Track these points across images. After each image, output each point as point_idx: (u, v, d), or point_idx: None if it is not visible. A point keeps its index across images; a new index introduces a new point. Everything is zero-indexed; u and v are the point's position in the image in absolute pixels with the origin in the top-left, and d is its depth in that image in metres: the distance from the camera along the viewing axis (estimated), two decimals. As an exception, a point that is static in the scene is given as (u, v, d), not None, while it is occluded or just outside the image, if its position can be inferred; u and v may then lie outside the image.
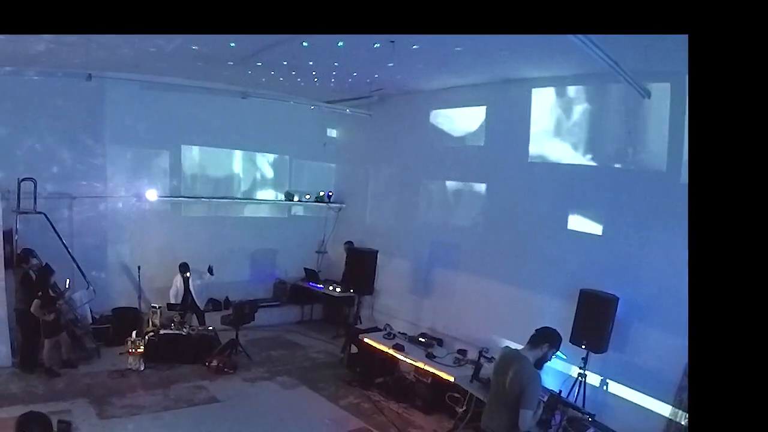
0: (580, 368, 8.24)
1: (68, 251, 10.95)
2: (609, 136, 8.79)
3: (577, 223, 9.23)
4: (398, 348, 9.80)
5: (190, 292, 12.08)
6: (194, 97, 12.71)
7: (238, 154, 13.79)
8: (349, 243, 13.90)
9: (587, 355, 8.18)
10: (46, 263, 10.00)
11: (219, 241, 13.36)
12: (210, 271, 12.29)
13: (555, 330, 5.75)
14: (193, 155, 13.10)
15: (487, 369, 7.83)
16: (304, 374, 10.86)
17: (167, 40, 8.49)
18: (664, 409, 7.81)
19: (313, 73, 10.61)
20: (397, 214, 13.03)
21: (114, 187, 12.08)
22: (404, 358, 9.69)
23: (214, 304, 13.17)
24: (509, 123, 10.35)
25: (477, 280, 10.88)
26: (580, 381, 8.21)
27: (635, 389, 8.22)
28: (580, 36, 5.71)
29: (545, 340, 5.61)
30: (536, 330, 5.73)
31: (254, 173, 14.01)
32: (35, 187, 10.32)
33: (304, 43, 8.33)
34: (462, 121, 11.38)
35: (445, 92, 11.54)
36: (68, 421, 4.69)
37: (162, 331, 10.91)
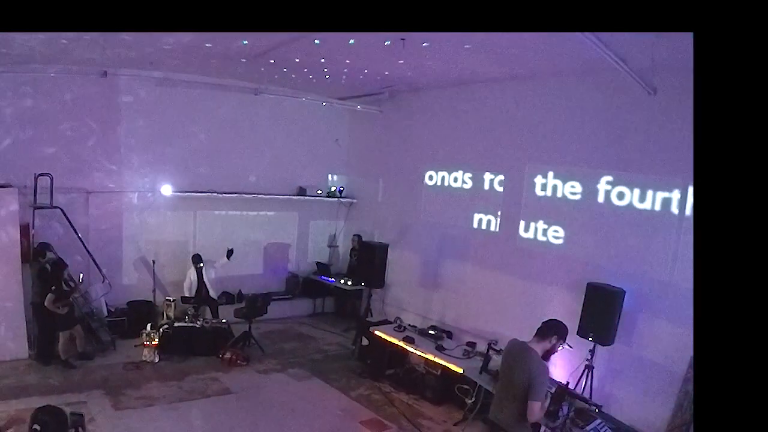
0: (588, 360, 8.30)
1: (84, 245, 11.06)
2: (615, 132, 8.82)
3: (583, 218, 9.31)
4: (408, 340, 9.91)
5: (204, 283, 12.22)
6: (208, 94, 12.81)
7: (251, 150, 13.83)
8: (358, 236, 14.12)
9: (594, 347, 8.24)
10: (59, 257, 10.13)
11: (232, 236, 13.42)
12: (228, 255, 12.43)
13: (561, 322, 5.82)
14: (206, 151, 13.15)
15: (496, 361, 7.91)
16: (316, 366, 10.95)
17: (181, 37, 8.55)
18: (670, 401, 7.84)
19: (325, 70, 10.65)
20: (408, 209, 13.03)
21: (129, 182, 12.21)
22: (414, 351, 9.79)
23: (228, 297, 13.30)
24: (518, 119, 10.38)
25: (486, 273, 10.97)
26: (587, 373, 8.28)
27: (641, 381, 8.28)
28: (588, 33, 5.78)
29: (553, 332, 5.68)
30: (543, 322, 5.80)
31: (267, 168, 14.04)
32: (52, 182, 10.41)
33: (316, 41, 8.38)
34: (470, 117, 11.42)
35: (454, 89, 11.58)
36: (80, 413, 4.71)
37: (176, 324, 11.04)
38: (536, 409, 5.42)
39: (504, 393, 5.80)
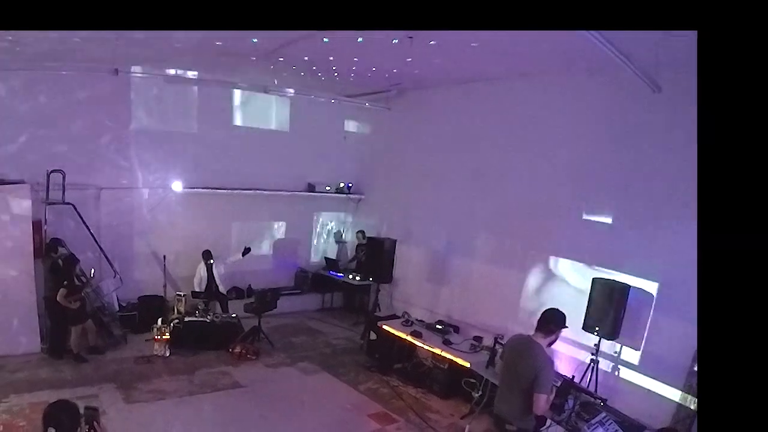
0: (593, 354, 8.38)
1: (96, 241, 11.16)
2: (621, 129, 8.88)
3: (591, 213, 9.34)
4: (416, 335, 9.99)
5: (214, 279, 12.31)
6: (218, 91, 12.92)
7: (261, 147, 13.90)
8: (361, 232, 14.27)
9: (599, 341, 8.32)
10: (71, 253, 10.23)
11: (242, 232, 13.58)
12: (245, 252, 12.49)
13: (557, 310, 5.95)
14: (216, 148, 13.20)
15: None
16: (325, 360, 11.04)
17: (192, 36, 8.60)
18: (674, 394, 7.93)
19: (334, 68, 10.73)
20: (415, 205, 13.13)
21: (140, 178, 12.32)
22: (422, 345, 9.87)
23: (238, 292, 13.40)
24: (524, 116, 10.45)
25: (492, 268, 11.04)
26: (593, 367, 8.35)
27: (646, 375, 8.35)
28: (593, 32, 5.83)
29: (555, 325, 5.79)
30: (542, 316, 5.89)
31: (277, 165, 14.10)
32: (64, 178, 10.50)
33: (325, 39, 8.43)
34: (477, 114, 11.49)
35: (461, 86, 11.64)
36: (95, 407, 4.67)
37: (187, 319, 11.13)
38: (542, 402, 5.54)
39: (509, 386, 5.89)
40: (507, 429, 5.87)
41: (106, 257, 11.32)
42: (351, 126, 15.29)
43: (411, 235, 12.96)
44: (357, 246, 14.83)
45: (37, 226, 10.24)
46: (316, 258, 15.26)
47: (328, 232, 15.62)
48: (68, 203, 10.66)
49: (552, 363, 5.72)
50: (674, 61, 6.84)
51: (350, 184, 15.02)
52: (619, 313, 8.15)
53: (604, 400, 7.19)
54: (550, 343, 5.81)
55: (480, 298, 11.11)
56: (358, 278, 13.78)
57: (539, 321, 5.86)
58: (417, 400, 9.47)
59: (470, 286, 11.52)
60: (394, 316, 11.32)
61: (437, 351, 9.58)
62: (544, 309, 6.07)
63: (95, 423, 4.47)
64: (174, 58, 10.53)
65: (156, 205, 12.61)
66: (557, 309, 5.96)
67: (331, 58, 9.95)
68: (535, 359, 5.59)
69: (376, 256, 12.25)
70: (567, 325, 5.97)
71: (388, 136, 14.15)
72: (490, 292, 10.90)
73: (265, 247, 14.38)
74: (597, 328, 8.26)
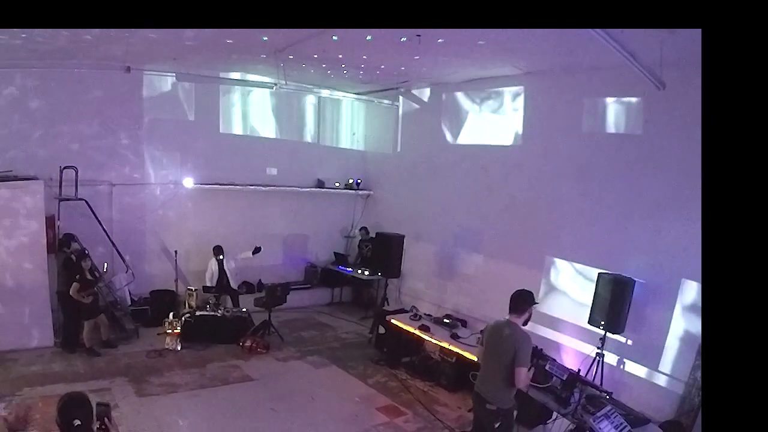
0: (598, 348, 8.42)
1: (108, 236, 11.27)
2: (626, 127, 8.95)
3: (596, 209, 9.38)
4: (424, 329, 10.03)
5: (225, 273, 12.38)
6: (228, 88, 13.08)
7: (271, 143, 14.03)
8: (364, 228, 14.48)
9: (605, 335, 8.37)
10: (84, 248, 10.34)
11: (252, 227, 13.63)
12: (255, 252, 12.58)
13: (524, 290, 6.21)
14: (227, 144, 13.34)
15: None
16: (334, 354, 11.10)
17: (203, 34, 8.65)
18: (678, 388, 8.00)
19: (343, 65, 10.75)
20: (423, 201, 13.17)
21: (152, 174, 12.44)
22: (430, 339, 9.91)
23: (248, 287, 13.50)
24: (529, 114, 10.52)
25: (499, 263, 11.12)
26: (598, 360, 8.38)
27: (651, 368, 8.42)
28: (599, 30, 5.90)
29: (526, 304, 6.06)
30: (513, 298, 6.13)
31: (287, 161, 14.22)
32: (76, 174, 10.60)
33: (334, 37, 8.48)
34: (484, 111, 11.56)
35: (468, 84, 11.70)
36: (107, 403, 4.65)
37: (198, 313, 11.22)
38: (523, 375, 5.84)
39: (491, 368, 6.12)
40: (487, 408, 6.07)
41: (119, 252, 11.44)
42: (360, 122, 15.38)
43: (419, 231, 12.97)
44: (360, 242, 14.97)
45: (50, 221, 10.33)
46: (325, 253, 15.29)
47: (337, 227, 15.64)
48: (81, 199, 10.75)
49: (529, 338, 5.95)
50: (678, 59, 6.90)
51: (359, 180, 15.08)
52: (625, 307, 8.21)
53: (609, 393, 7.26)
54: (525, 321, 6.08)
55: (487, 293, 11.11)
56: (366, 273, 13.83)
57: (511, 303, 6.10)
58: (425, 393, 9.52)
59: (477, 280, 11.58)
60: (402, 311, 11.33)
61: (445, 345, 9.62)
62: (547, 303, 6.19)
63: (107, 419, 4.47)
64: (185, 56, 10.58)
65: (167, 200, 12.73)
66: (524, 289, 6.21)
67: (340, 56, 9.99)
68: (513, 336, 5.87)
69: (384, 251, 12.28)
70: (537, 301, 6.31)
71: (397, 132, 14.20)
72: (497, 286, 10.73)
73: (275, 243, 14.38)
74: (602, 322, 8.32)
